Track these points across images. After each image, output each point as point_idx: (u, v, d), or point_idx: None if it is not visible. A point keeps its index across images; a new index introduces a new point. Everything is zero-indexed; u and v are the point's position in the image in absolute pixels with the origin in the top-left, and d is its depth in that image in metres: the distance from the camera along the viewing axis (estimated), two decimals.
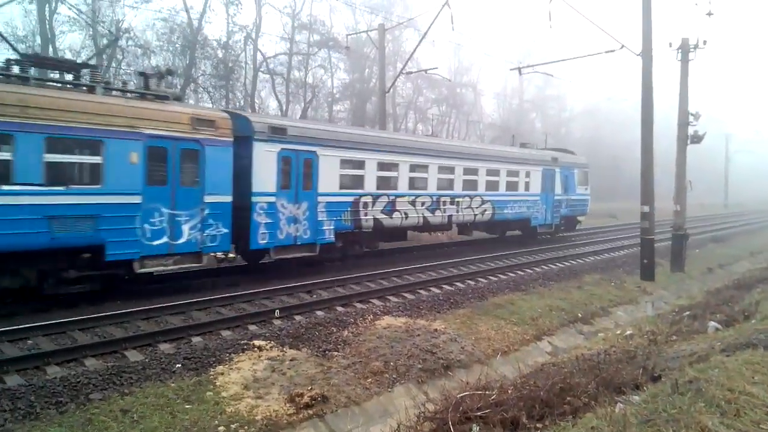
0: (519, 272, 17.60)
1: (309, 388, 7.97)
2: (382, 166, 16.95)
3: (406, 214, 17.71)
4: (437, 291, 14.32)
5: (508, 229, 24.28)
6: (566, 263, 19.93)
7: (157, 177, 11.38)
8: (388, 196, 17.12)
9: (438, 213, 18.96)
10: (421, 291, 14.18)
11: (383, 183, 17.09)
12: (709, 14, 20.05)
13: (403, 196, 17.61)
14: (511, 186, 22.41)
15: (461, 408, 6.54)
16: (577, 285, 16.34)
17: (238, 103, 35.40)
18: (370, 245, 17.74)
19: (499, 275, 16.85)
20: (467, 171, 20.20)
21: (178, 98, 13.27)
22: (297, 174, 14.37)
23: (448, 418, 6.35)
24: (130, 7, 29.97)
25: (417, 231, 19.87)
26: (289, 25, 40.34)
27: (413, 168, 18.14)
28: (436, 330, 10.93)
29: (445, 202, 19.14)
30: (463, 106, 58.81)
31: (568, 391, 6.95)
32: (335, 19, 50.57)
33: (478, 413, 6.39)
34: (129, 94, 11.80)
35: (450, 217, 19.46)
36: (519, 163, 22.81)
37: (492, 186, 21.30)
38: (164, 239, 11.55)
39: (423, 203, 18.34)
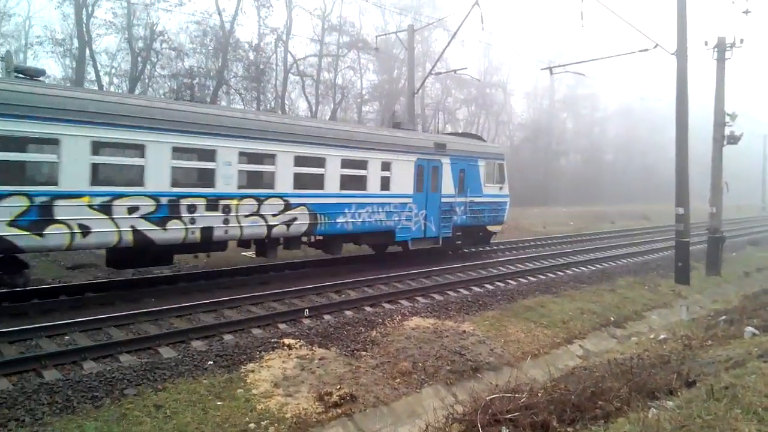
0: (549, 275, 17.38)
1: (338, 387, 8.02)
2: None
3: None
4: (465, 293, 14.25)
5: (358, 243, 17.03)
6: (598, 266, 19.60)
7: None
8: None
9: (175, 224, 11.42)
10: (450, 292, 14.13)
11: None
12: (747, 12, 19.49)
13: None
14: (353, 182, 15.16)
15: (490, 410, 6.49)
16: (610, 288, 16.06)
17: (268, 105, 35.81)
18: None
19: (529, 277, 16.67)
20: (249, 157, 12.85)
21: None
22: None
23: (477, 421, 6.31)
24: (164, 10, 30.58)
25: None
26: (319, 27, 40.66)
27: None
28: (464, 332, 10.88)
29: (189, 208, 11.65)
30: (492, 106, 58.38)
31: (600, 396, 6.85)
32: (364, 21, 50.78)
33: (508, 416, 6.33)
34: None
35: (208, 231, 11.95)
36: (367, 148, 15.32)
37: (307, 182, 14.00)
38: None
39: (136, 210, 10.88)
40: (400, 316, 11.48)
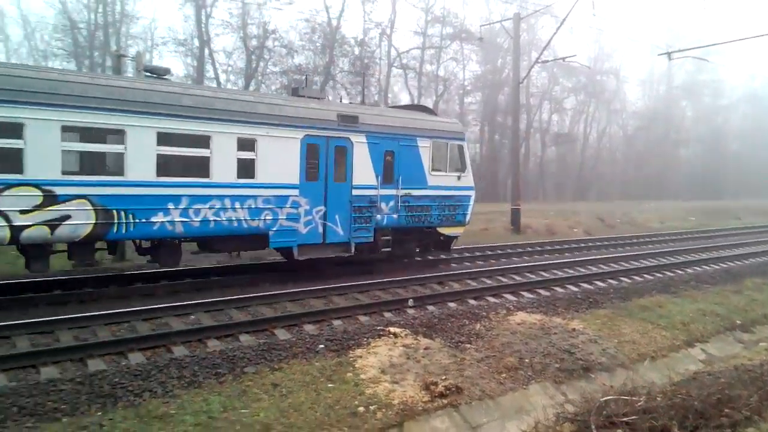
0: (667, 273, 16.30)
1: (443, 377, 8.05)
2: None
3: None
4: (574, 289, 13.73)
5: (212, 250, 12.70)
6: (722, 265, 18.11)
7: None
8: None
9: None
10: (557, 288, 13.67)
11: None
12: None
13: None
14: (185, 166, 11.17)
15: (605, 412, 6.25)
16: (736, 289, 14.80)
17: (372, 99, 36.46)
18: None
19: (645, 275, 15.74)
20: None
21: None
22: None
23: (591, 421, 6.10)
24: (275, 9, 32.01)
25: None
26: (423, 20, 40.68)
27: None
28: (573, 329, 10.51)
29: None
30: (603, 94, 55.55)
31: (727, 403, 6.38)
32: (468, 11, 50.18)
33: (624, 419, 6.07)
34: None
35: None
36: (208, 118, 10.99)
37: (93, 164, 10.56)
38: None
39: None
40: (504, 311, 11.29)
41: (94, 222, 9.91)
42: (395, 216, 13.97)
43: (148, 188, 10.46)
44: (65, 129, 9.58)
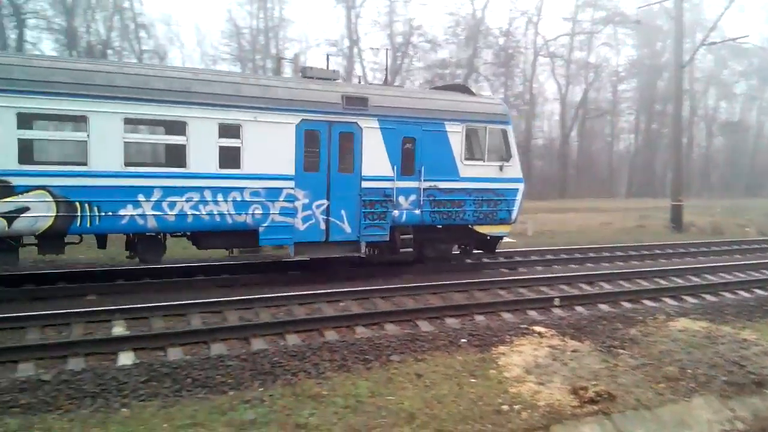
0: None
1: (593, 383, 7.66)
2: None
3: None
4: (747, 295, 12.32)
5: (199, 246, 11.49)
6: None
7: None
8: None
9: None
10: (725, 293, 12.36)
11: None
12: None
13: None
14: (157, 155, 11.02)
15: None
16: None
17: (516, 89, 35.55)
18: None
19: None
20: None
21: None
22: None
23: None
24: (421, 4, 32.44)
25: None
26: (572, 5, 38.73)
27: None
28: (745, 340, 9.43)
29: None
30: None
31: None
32: None
33: None
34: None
35: None
36: (184, 102, 10.19)
37: (52, 153, 10.62)
38: None
39: None
40: (664, 316, 10.44)
41: (54, 215, 9.44)
42: (417, 212, 12.30)
43: (114, 179, 9.77)
44: (22, 116, 9.22)
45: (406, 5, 33.15)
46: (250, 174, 10.73)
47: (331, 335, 8.87)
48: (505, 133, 13.23)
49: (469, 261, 14.37)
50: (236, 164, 10.63)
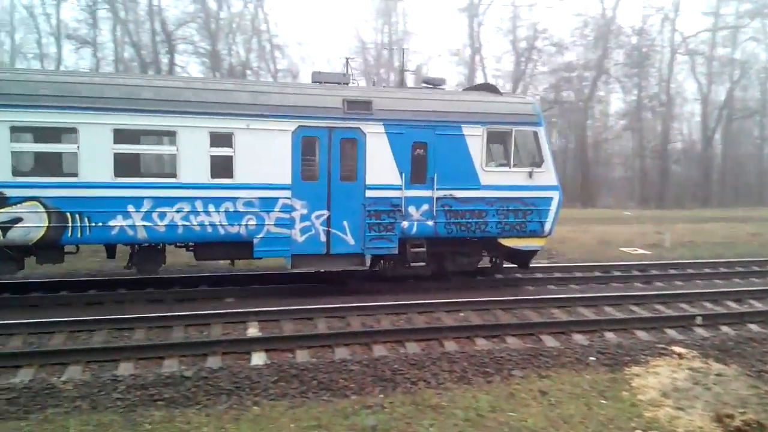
0: None
1: (740, 410, 6.91)
2: None
3: None
4: None
5: (197, 258, 11.33)
6: None
7: None
8: None
9: None
10: None
11: None
12: None
13: None
14: (147, 165, 11.05)
15: None
16: None
17: (651, 90, 33.21)
18: None
19: None
20: None
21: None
22: None
23: None
24: (547, 7, 31.50)
25: None
26: None
27: None
28: None
29: None
30: None
31: None
32: None
33: None
34: None
35: None
36: (173, 111, 10.13)
37: (44, 163, 10.40)
38: None
39: None
40: None
41: (46, 225, 9.68)
42: (430, 223, 11.38)
43: (104, 189, 9.89)
44: (15, 129, 9.57)
45: (531, 9, 32.28)
46: (243, 184, 10.52)
47: (450, 345, 8.81)
48: (536, 135, 11.99)
49: (499, 276, 13.13)
50: (229, 174, 10.46)
